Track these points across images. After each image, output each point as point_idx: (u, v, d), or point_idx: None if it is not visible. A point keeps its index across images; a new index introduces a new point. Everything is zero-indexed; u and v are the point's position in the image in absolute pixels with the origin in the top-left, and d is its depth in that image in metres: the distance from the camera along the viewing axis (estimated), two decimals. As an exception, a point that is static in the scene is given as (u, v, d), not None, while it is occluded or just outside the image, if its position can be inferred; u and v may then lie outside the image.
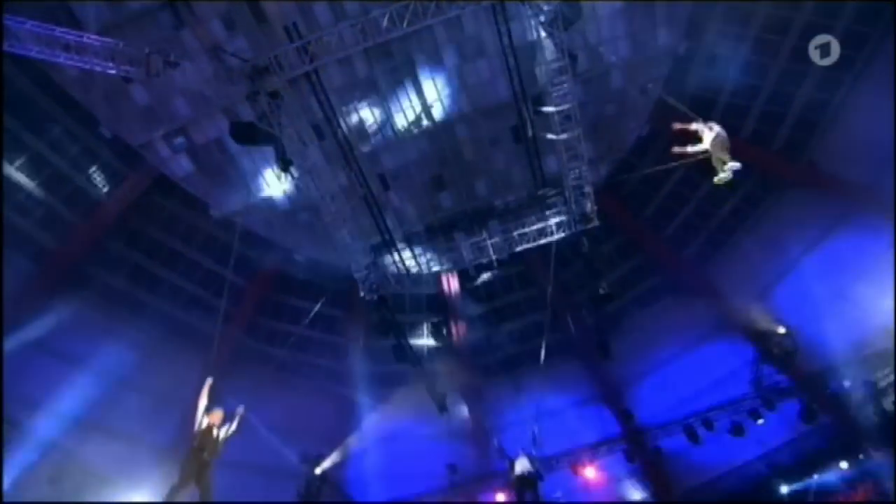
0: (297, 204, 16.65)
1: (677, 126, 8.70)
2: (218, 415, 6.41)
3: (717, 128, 8.51)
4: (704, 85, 16.80)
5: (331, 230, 12.35)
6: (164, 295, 17.60)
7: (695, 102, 17.11)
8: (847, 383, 15.85)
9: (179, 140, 14.80)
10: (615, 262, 19.88)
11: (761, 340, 16.64)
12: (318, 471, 16.04)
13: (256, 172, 15.83)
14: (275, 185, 15.80)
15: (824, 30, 14.25)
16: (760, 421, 16.22)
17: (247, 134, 10.62)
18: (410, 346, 16.23)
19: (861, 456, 15.93)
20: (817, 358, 15.89)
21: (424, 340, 18.40)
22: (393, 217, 17.38)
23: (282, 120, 11.17)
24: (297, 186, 15.79)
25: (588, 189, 12.59)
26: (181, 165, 15.63)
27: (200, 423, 6.16)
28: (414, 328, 18.52)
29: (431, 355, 18.42)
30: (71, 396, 14.22)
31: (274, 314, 18.89)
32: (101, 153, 15.16)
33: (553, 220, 13.53)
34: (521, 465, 8.67)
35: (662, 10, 14.46)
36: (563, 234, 13.40)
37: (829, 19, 14.75)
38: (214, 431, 6.29)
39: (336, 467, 16.65)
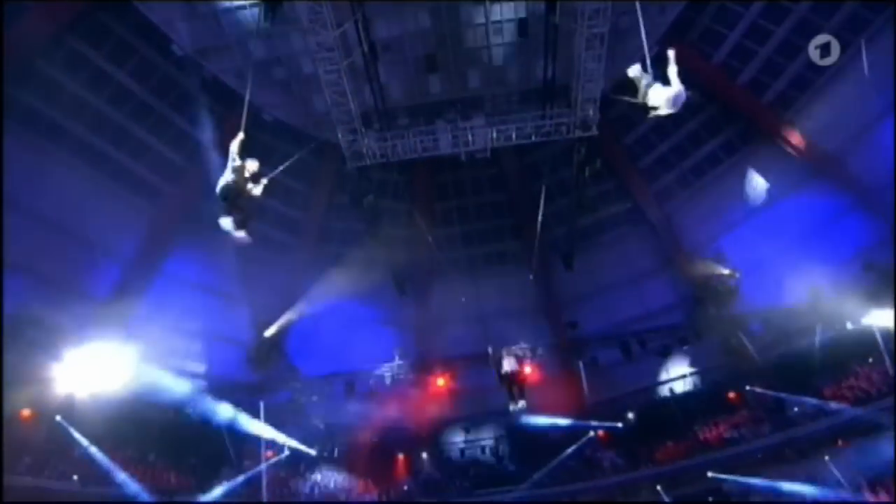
0: (274, 55, 14.99)
1: None
2: (254, 164, 6.72)
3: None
4: (720, 18, 16.32)
5: (323, 86, 11.14)
6: (106, 136, 15.75)
7: (705, 33, 16.94)
8: (759, 328, 17.85)
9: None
10: (586, 182, 20.05)
11: (706, 278, 17.84)
12: (266, 334, 16.06)
13: (228, 8, 13.81)
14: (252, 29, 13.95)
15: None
16: (686, 347, 17.96)
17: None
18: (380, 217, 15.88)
19: (747, 388, 18.18)
20: (748, 303, 17.42)
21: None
22: (376, 92, 16.23)
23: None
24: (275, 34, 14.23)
25: (597, 96, 12.14)
26: (138, -18, 13.32)
27: (234, 159, 6.58)
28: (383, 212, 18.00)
29: (396, 240, 18.22)
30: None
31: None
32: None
33: (550, 122, 13.02)
34: (509, 364, 9.30)
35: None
36: (559, 137, 13.00)
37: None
38: (246, 174, 6.71)
39: (284, 335, 16.73)
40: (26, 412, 13.96)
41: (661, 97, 6.53)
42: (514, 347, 9.94)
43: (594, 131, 12.68)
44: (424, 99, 16.28)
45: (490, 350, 9.78)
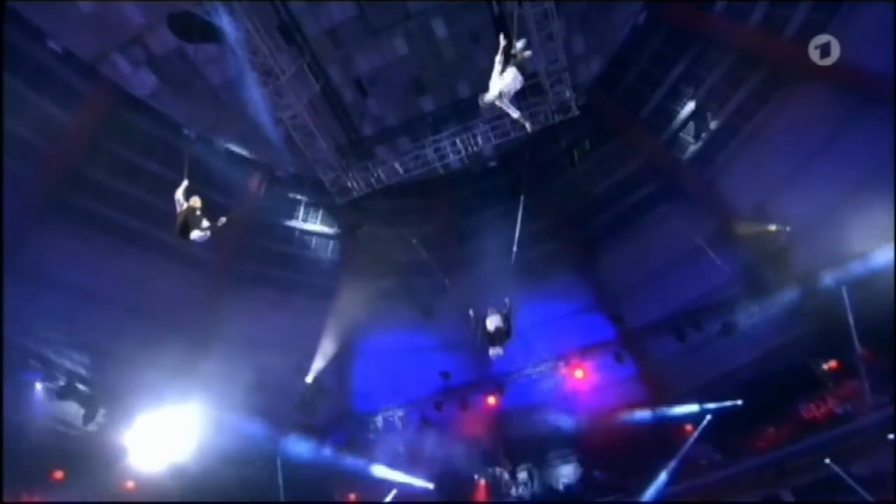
0: (273, 116, 15.88)
1: None
2: (197, 201, 7.59)
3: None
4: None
5: (300, 142, 11.65)
6: (150, 219, 17.33)
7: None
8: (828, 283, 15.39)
9: (137, 51, 13.87)
10: (610, 168, 19.11)
11: (755, 239, 16.05)
12: (308, 379, 16.57)
13: (224, 82, 14.92)
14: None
15: None
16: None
17: (184, 25, 9.77)
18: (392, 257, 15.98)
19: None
20: (813, 259, 15.36)
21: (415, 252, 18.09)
22: (374, 124, 16.63)
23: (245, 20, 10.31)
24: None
25: (565, 75, 11.58)
26: (144, 81, 14.80)
27: (181, 204, 7.55)
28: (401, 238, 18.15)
29: (416, 265, 18.25)
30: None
31: (264, 233, 18.65)
32: (56, 70, 14.29)
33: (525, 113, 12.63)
34: (492, 323, 8.83)
35: None
36: (538, 125, 12.54)
37: None
38: (197, 212, 7.60)
39: (333, 379, 17.16)
40: (130, 484, 15.27)
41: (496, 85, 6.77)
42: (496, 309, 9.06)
43: (574, 111, 12.05)
44: (422, 120, 16.43)
45: (471, 312, 9.06)
